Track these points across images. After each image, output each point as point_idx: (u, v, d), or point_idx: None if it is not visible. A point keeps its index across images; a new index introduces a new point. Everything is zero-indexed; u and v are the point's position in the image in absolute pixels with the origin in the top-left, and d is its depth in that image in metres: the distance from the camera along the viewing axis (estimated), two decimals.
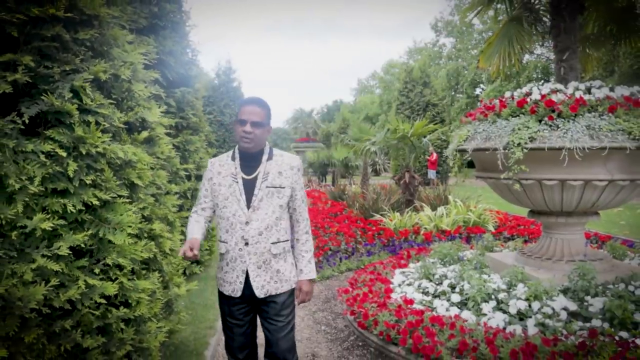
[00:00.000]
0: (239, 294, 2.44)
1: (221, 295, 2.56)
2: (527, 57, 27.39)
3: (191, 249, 2.30)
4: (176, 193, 3.80)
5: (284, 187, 2.47)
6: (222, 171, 2.50)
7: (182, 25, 5.92)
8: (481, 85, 34.89)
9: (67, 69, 2.35)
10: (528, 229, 8.21)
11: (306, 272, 2.57)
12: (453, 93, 37.33)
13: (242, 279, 2.43)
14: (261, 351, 2.64)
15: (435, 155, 21.30)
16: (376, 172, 24.88)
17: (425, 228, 8.14)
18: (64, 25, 2.38)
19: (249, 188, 2.44)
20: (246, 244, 2.41)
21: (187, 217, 5.31)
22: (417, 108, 25.08)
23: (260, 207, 2.42)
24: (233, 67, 22.68)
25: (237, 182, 2.45)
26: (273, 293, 2.46)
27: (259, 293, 2.43)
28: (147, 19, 5.19)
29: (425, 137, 10.71)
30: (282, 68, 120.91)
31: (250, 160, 2.48)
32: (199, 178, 5.87)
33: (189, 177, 5.54)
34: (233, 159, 2.51)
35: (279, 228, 2.47)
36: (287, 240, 2.53)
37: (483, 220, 8.52)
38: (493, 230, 8.24)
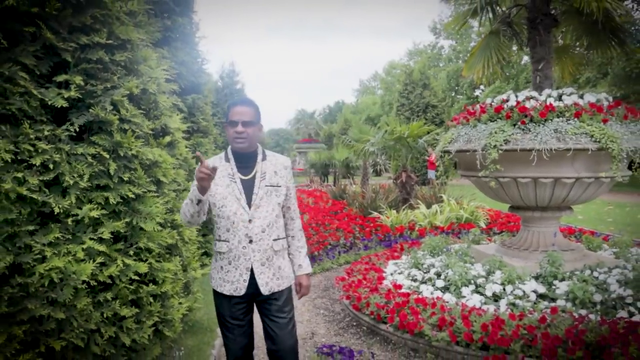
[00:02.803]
0: (242, 292, 2.47)
1: (220, 296, 2.56)
2: (525, 58, 27.89)
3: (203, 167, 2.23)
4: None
5: (280, 186, 2.55)
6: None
7: (192, 36, 6.43)
8: (481, 87, 35.30)
9: (108, 86, 2.86)
10: (517, 226, 8.66)
11: (305, 267, 2.66)
12: (453, 94, 37.79)
13: (247, 276, 2.46)
14: (260, 351, 2.77)
15: (434, 155, 21.67)
16: (377, 173, 25.36)
17: (420, 224, 8.63)
18: (105, 49, 2.88)
19: (248, 187, 2.49)
20: (250, 241, 2.45)
21: None
22: (417, 109, 25.57)
23: (261, 205, 2.48)
24: (236, 70, 23.11)
25: (235, 182, 2.49)
26: (276, 290, 2.52)
27: (264, 290, 2.48)
28: (162, 32, 5.70)
29: (421, 138, 11.20)
30: (283, 69, 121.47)
31: (245, 161, 2.53)
32: None
33: None
34: (227, 160, 2.55)
35: (278, 225, 2.55)
36: (285, 238, 2.63)
37: (475, 217, 9.00)
38: (484, 226, 8.72)
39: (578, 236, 7.84)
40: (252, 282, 2.46)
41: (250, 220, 2.46)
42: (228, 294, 2.49)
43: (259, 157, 2.55)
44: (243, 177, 2.50)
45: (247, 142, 2.45)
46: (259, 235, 2.46)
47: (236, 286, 2.47)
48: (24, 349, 2.54)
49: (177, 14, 6.11)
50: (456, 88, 37.47)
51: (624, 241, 5.77)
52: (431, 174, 21.65)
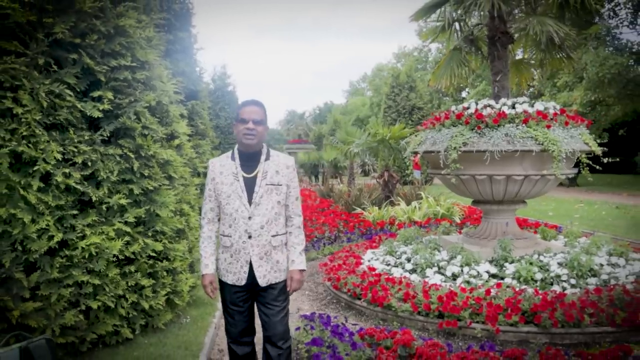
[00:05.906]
0: (243, 282, 2.64)
1: (224, 284, 2.74)
2: None
3: (211, 282, 2.70)
4: (194, 185, 4.99)
5: (281, 185, 2.66)
6: (223, 171, 2.67)
7: (191, 48, 7.12)
8: (467, 89, 36.17)
9: (132, 99, 3.54)
10: None
11: (298, 263, 2.71)
12: (440, 96, 38.63)
13: (246, 268, 2.62)
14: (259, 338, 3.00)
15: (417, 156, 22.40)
16: (365, 173, 26.15)
17: (400, 220, 9.35)
18: (129, 70, 3.57)
19: (250, 186, 2.61)
20: (249, 236, 2.59)
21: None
22: (404, 112, 26.33)
23: (261, 202, 2.60)
24: (227, 72, 23.68)
25: (238, 180, 2.62)
26: (273, 282, 2.67)
27: (262, 282, 2.63)
28: (165, 45, 6.37)
29: (403, 139, 11.93)
30: (273, 69, 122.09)
31: (249, 160, 2.66)
32: (206, 175, 7.06)
33: (198, 174, 6.73)
34: (233, 159, 2.68)
35: (277, 222, 2.67)
36: (285, 234, 2.75)
37: (450, 213, 9.74)
38: (459, 221, 9.46)
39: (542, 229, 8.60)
40: (251, 273, 2.63)
41: (250, 217, 2.60)
42: (231, 283, 2.68)
43: (263, 156, 2.68)
44: (246, 175, 2.63)
45: (256, 139, 2.61)
46: (257, 232, 2.60)
47: (238, 277, 2.64)
48: (69, 308, 3.21)
49: (178, 28, 6.79)
50: (442, 90, 38.26)
51: (573, 232, 6.55)
52: (416, 173, 22.49)
